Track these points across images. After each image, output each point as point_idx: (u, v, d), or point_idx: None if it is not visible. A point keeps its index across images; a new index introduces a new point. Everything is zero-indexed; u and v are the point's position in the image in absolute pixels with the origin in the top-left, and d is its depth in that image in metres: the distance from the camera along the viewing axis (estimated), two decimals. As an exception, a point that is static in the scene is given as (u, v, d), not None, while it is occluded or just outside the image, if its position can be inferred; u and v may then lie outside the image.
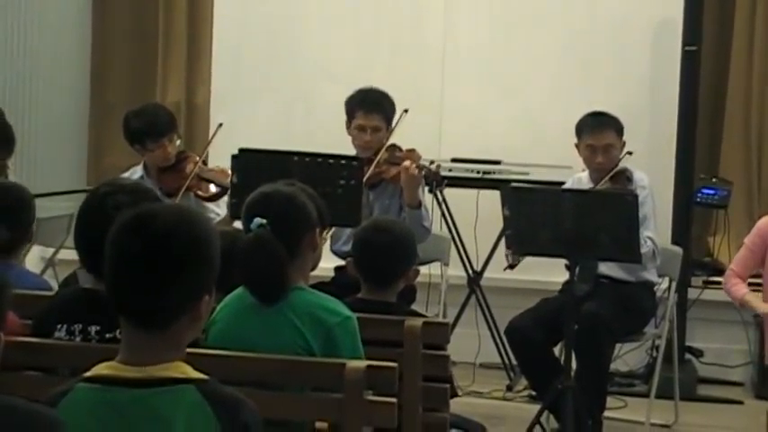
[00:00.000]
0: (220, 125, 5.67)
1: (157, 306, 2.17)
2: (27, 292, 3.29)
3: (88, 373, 2.21)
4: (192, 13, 7.24)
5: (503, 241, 5.28)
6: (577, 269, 5.00)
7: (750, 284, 5.35)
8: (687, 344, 6.50)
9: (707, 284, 6.55)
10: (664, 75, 6.76)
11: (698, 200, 6.52)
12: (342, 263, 5.13)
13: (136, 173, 5.65)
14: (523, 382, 6.04)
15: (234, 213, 4.85)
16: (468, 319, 6.50)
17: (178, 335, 2.20)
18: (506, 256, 5.24)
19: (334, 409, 2.82)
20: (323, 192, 3.65)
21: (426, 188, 5.42)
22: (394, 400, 2.82)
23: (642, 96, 6.86)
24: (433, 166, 5.32)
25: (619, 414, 5.82)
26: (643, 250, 5.06)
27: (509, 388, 6.32)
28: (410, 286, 4.22)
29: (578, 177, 5.68)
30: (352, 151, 5.43)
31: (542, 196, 5.05)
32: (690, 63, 6.46)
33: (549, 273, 5.72)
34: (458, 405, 3.93)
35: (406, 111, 5.46)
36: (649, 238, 5.29)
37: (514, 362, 5.97)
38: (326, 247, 4.59)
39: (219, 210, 5.54)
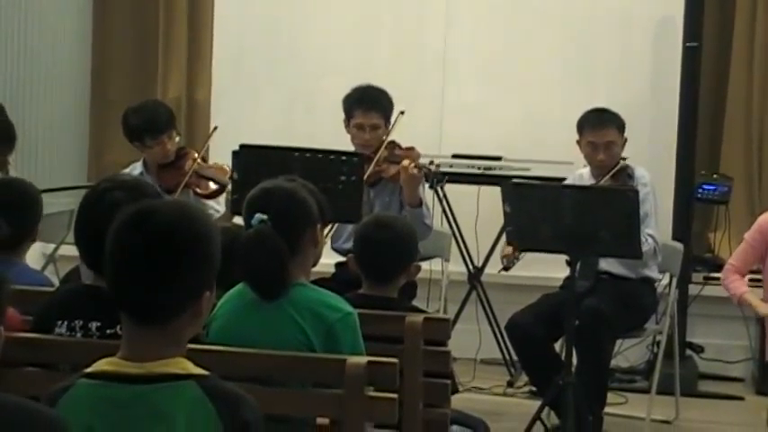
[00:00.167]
0: (215, 128, 5.67)
1: (158, 302, 2.17)
2: (27, 288, 3.29)
3: (89, 369, 2.21)
4: (193, 12, 7.24)
5: (503, 237, 5.28)
6: (578, 265, 4.99)
7: (750, 280, 5.36)
8: (688, 340, 6.51)
9: (708, 280, 6.54)
10: (665, 72, 6.76)
11: (699, 196, 6.52)
12: (342, 259, 5.13)
13: (136, 169, 5.65)
14: (524, 377, 6.05)
15: (235, 209, 4.85)
16: (468, 314, 6.51)
17: (179, 331, 2.20)
18: (501, 258, 5.25)
19: (334, 405, 2.82)
20: (323, 187, 3.64)
21: (427, 185, 5.41)
22: (395, 395, 2.81)
23: (643, 93, 6.86)
24: (433, 166, 5.28)
25: (619, 410, 5.81)
26: (644, 248, 5.05)
27: (510, 384, 6.33)
28: (411, 282, 4.21)
29: (580, 173, 5.67)
30: (351, 149, 5.41)
31: (543, 192, 5.05)
32: (691, 60, 6.46)
33: (550, 269, 5.72)
34: (458, 401, 3.93)
35: (402, 112, 5.39)
36: (650, 235, 5.28)
37: (515, 358, 5.97)
38: (327, 243, 4.58)
39: (219, 207, 5.54)
